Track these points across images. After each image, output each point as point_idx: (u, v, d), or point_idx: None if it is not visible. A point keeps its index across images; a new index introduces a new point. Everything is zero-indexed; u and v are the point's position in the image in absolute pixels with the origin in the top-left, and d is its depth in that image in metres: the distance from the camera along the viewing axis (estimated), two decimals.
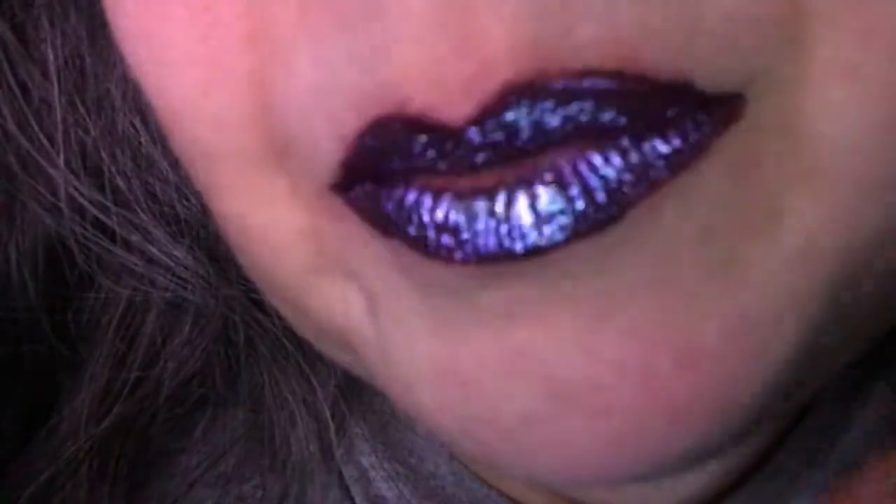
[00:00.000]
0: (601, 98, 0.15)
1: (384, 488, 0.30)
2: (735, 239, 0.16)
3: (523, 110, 0.15)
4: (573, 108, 0.15)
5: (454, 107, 0.15)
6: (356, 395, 0.31)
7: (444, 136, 0.15)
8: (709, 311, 0.16)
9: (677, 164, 0.15)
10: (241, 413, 0.31)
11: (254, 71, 0.17)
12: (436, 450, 0.29)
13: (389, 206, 0.16)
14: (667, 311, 0.16)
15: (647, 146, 0.15)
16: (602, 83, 0.15)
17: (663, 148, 0.15)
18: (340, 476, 0.30)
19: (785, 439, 0.27)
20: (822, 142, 0.16)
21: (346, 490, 0.30)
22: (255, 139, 0.18)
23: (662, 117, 0.15)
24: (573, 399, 0.17)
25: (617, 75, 0.15)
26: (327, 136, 0.17)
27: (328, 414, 0.30)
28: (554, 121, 0.15)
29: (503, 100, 0.15)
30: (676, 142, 0.15)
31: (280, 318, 0.29)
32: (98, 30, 0.28)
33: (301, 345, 0.30)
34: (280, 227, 0.19)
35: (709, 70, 0.15)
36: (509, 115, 0.15)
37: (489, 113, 0.15)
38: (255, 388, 0.31)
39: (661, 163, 0.15)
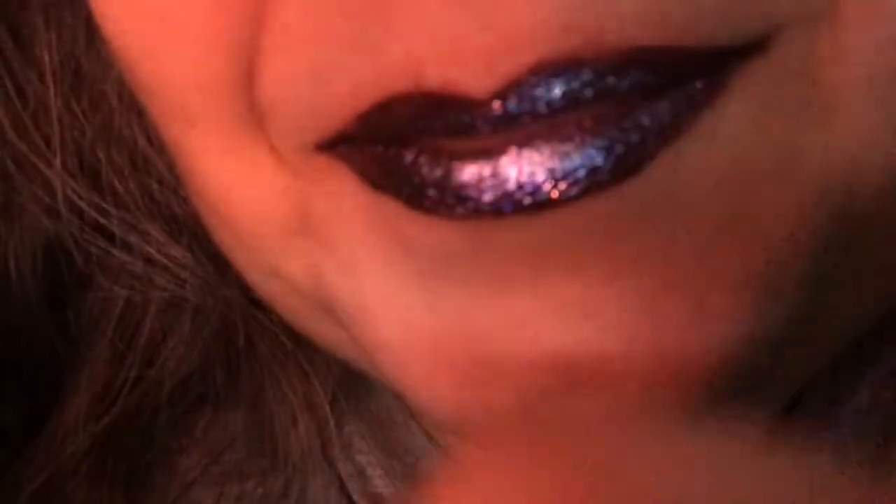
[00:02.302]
0: (637, 71, 0.15)
1: (382, 486, 0.29)
2: (749, 187, 0.16)
3: (554, 86, 0.15)
4: (604, 83, 0.15)
5: (476, 82, 0.15)
6: (353, 393, 0.31)
7: (463, 107, 0.15)
8: (718, 268, 0.16)
9: (700, 102, 0.15)
10: (241, 412, 0.31)
11: (251, 44, 0.17)
12: (433, 448, 0.29)
13: (383, 163, 0.16)
14: (676, 272, 0.16)
15: (672, 92, 0.15)
16: (645, 58, 0.14)
17: (685, 91, 0.15)
18: (338, 474, 0.30)
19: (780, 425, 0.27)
20: (843, 85, 0.16)
21: (343, 487, 0.30)
22: (239, 104, 0.18)
23: (690, 70, 0.15)
24: (579, 375, 0.16)
25: (666, 51, 0.14)
26: (320, 114, 0.16)
27: (328, 411, 0.30)
28: (584, 92, 0.15)
29: (534, 75, 0.14)
30: (699, 82, 0.15)
31: (279, 316, 0.29)
32: (95, 30, 0.28)
33: (300, 342, 0.30)
34: (262, 189, 0.19)
35: (743, 27, 0.15)
36: (538, 91, 0.15)
37: (515, 86, 0.15)
38: (255, 386, 0.31)
39: (683, 106, 0.15)
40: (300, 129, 0.17)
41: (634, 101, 0.15)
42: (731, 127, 0.15)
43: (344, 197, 0.17)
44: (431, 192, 0.16)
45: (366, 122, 0.16)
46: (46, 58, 0.28)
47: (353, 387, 0.31)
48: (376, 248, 0.17)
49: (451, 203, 0.15)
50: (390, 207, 0.16)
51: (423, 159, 0.16)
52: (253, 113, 0.18)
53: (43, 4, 0.28)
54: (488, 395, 0.17)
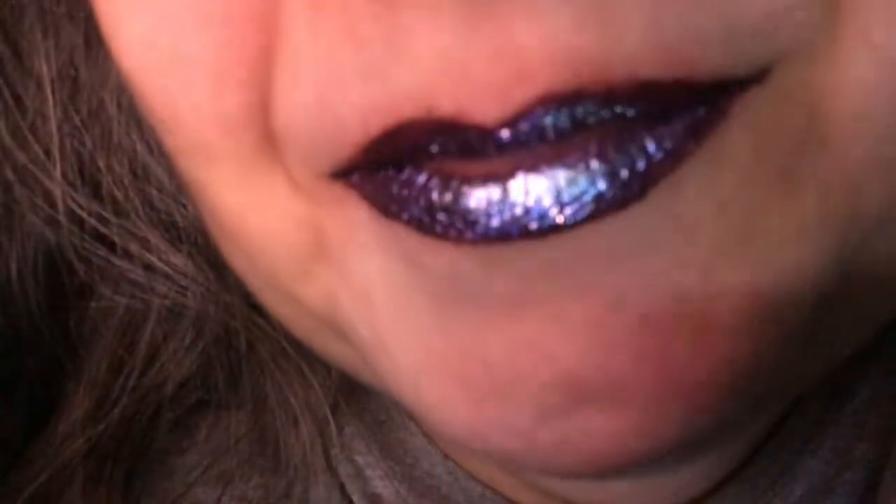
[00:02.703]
0: (642, 101, 0.15)
1: (380, 486, 0.30)
2: (751, 211, 0.16)
3: (562, 115, 0.15)
4: (611, 111, 0.15)
5: (486, 111, 0.15)
6: (352, 395, 0.31)
7: (472, 135, 0.15)
8: (723, 288, 0.16)
9: (702, 129, 0.15)
10: (243, 414, 0.31)
11: (262, 75, 0.17)
12: (431, 449, 0.29)
13: (394, 188, 0.16)
14: (682, 294, 0.16)
15: (674, 119, 0.15)
16: (648, 91, 0.15)
17: (688, 118, 0.15)
18: (337, 475, 0.30)
19: (778, 429, 0.27)
20: (842, 115, 0.16)
21: (342, 488, 0.30)
22: (254, 136, 0.18)
23: (692, 97, 0.15)
24: (590, 393, 0.16)
25: (668, 85, 0.15)
26: (332, 142, 0.17)
27: (329, 414, 0.30)
28: (589, 119, 0.15)
29: (542, 106, 0.15)
30: (700, 109, 0.15)
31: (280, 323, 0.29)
32: (93, 39, 0.28)
33: (301, 348, 0.30)
34: (278, 218, 0.19)
35: (744, 58, 0.15)
36: (545, 121, 0.15)
37: (523, 115, 0.15)
38: (256, 389, 0.31)
39: (686, 132, 0.15)
40: (314, 156, 0.17)
41: (639, 127, 0.15)
42: (733, 153, 0.16)
43: (358, 225, 0.18)
44: (441, 217, 0.16)
45: (377, 147, 0.16)
46: (45, 68, 0.28)
47: (352, 389, 0.31)
48: (390, 275, 0.18)
49: (461, 227, 0.16)
50: (402, 233, 0.17)
51: (433, 183, 0.16)
52: (269, 144, 0.18)
53: (40, 14, 0.28)
54: (502, 413, 0.17)
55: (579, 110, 0.15)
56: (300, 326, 0.22)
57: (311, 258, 0.19)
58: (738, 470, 0.27)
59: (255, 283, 0.22)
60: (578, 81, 0.15)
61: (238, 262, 0.22)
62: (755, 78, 0.15)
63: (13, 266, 0.30)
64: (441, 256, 0.17)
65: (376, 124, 0.16)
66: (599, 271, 0.16)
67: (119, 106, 0.28)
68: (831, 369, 0.20)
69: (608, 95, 0.15)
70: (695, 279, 0.16)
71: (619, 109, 0.15)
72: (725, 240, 0.16)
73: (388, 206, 0.17)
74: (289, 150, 0.18)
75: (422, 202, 0.16)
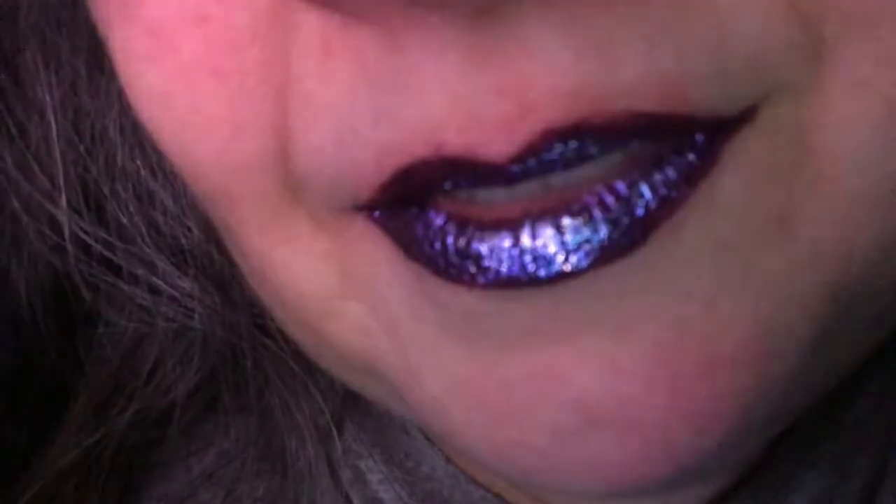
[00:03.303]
0: (640, 135, 0.15)
1: (381, 490, 0.30)
2: (748, 248, 0.17)
3: (568, 149, 0.15)
4: (613, 146, 0.15)
5: (494, 147, 0.15)
6: (354, 399, 0.31)
7: (482, 171, 0.16)
8: (726, 320, 0.17)
9: (695, 175, 0.16)
10: (249, 422, 0.32)
11: (277, 122, 0.18)
12: (432, 453, 0.30)
13: (414, 228, 0.17)
14: (687, 324, 0.17)
15: (666, 166, 0.16)
16: (646, 124, 0.15)
17: (680, 163, 0.16)
18: (339, 478, 0.31)
19: (780, 441, 0.27)
20: (831, 152, 0.16)
21: (343, 492, 0.31)
22: (274, 180, 0.18)
23: (684, 141, 0.16)
24: (602, 416, 0.17)
25: (665, 117, 0.15)
26: (349, 182, 0.17)
27: (330, 423, 0.31)
28: (592, 151, 0.16)
29: (546, 140, 0.15)
30: (691, 155, 0.16)
31: (286, 341, 0.30)
32: (95, 68, 0.28)
33: (307, 365, 0.30)
34: (303, 255, 0.20)
35: (734, 97, 0.16)
36: (552, 154, 0.15)
37: (531, 152, 0.15)
38: (261, 403, 0.31)
39: (679, 179, 0.16)
40: (334, 196, 0.18)
41: (636, 174, 0.16)
42: (728, 195, 0.16)
43: (382, 262, 0.18)
44: (454, 260, 0.17)
45: (392, 187, 0.17)
46: (47, 97, 0.28)
47: (355, 394, 0.31)
48: (414, 309, 0.18)
49: (473, 272, 0.16)
50: (422, 272, 0.17)
51: (449, 227, 0.17)
52: (289, 186, 0.18)
53: (42, 44, 0.28)
54: (520, 434, 0.18)
55: (585, 143, 0.15)
56: (328, 361, 0.23)
57: (337, 295, 0.20)
58: (739, 483, 0.27)
59: (282, 319, 0.23)
60: (580, 114, 0.15)
61: (267, 298, 0.23)
62: (745, 117, 0.16)
63: (22, 293, 0.30)
64: (457, 298, 0.17)
65: (390, 164, 0.16)
66: (607, 306, 0.17)
67: (122, 132, 0.28)
68: (830, 388, 0.20)
69: (609, 127, 0.15)
70: (699, 311, 0.17)
71: (617, 143, 0.15)
72: (726, 275, 0.16)
73: (409, 245, 0.17)
74: (309, 191, 0.18)
75: (438, 245, 0.17)
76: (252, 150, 0.18)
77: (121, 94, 0.28)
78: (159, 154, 0.28)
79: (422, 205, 0.17)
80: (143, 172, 0.29)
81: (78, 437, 0.31)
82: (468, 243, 0.16)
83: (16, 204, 0.29)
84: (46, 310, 0.31)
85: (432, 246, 0.17)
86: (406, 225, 0.17)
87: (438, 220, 0.17)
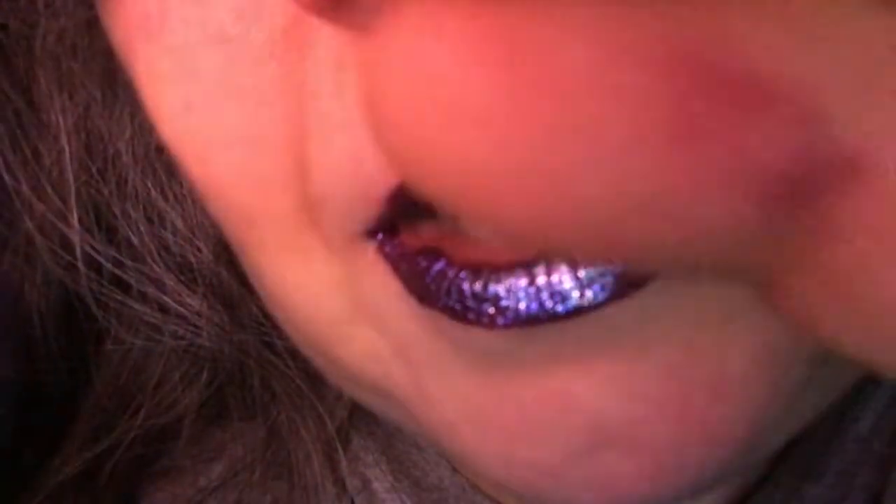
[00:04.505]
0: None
1: (388, 499, 0.30)
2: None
3: None
4: None
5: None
6: (361, 409, 0.31)
7: None
8: (735, 345, 0.17)
9: None
10: (256, 432, 0.32)
11: (295, 140, 0.18)
12: (439, 463, 0.30)
13: (428, 280, 0.17)
14: (697, 348, 0.17)
15: None
16: None
17: None
18: (345, 487, 0.31)
19: (785, 454, 0.28)
20: None
21: (350, 501, 0.31)
22: (291, 200, 0.19)
23: None
24: (614, 436, 0.18)
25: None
26: (362, 201, 0.18)
27: (336, 440, 0.31)
28: None
29: None
30: None
31: (294, 359, 0.30)
32: (108, 92, 0.28)
33: (316, 383, 0.31)
34: (316, 279, 0.20)
35: None
36: None
37: None
38: (269, 418, 0.32)
39: None
40: (348, 217, 0.18)
41: None
42: None
43: (392, 296, 0.19)
44: (472, 304, 0.17)
45: (399, 197, 0.17)
46: (61, 121, 0.28)
47: (360, 406, 0.31)
48: (427, 341, 0.19)
49: (492, 314, 0.17)
50: (436, 315, 0.18)
51: (463, 275, 0.17)
52: (305, 208, 0.19)
53: (56, 68, 0.28)
54: (533, 453, 0.18)
55: None
56: (340, 382, 0.23)
57: (348, 320, 0.20)
58: (744, 496, 0.27)
59: (294, 338, 0.23)
60: None
61: (281, 319, 0.23)
62: None
63: (34, 312, 0.30)
64: (474, 338, 0.18)
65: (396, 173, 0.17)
66: (626, 333, 0.17)
67: (134, 155, 0.29)
68: (835, 401, 0.21)
69: None
70: (707, 337, 0.17)
71: None
72: (732, 301, 0.17)
73: (422, 295, 0.17)
74: (325, 213, 0.19)
75: (454, 294, 0.17)
76: (271, 168, 0.18)
77: (133, 118, 0.28)
78: (170, 176, 0.29)
79: (436, 258, 0.17)
80: (153, 194, 0.29)
81: (81, 449, 0.31)
82: (485, 286, 0.17)
83: (29, 224, 0.29)
84: (58, 327, 0.31)
85: (448, 294, 0.17)
86: (420, 276, 0.17)
87: (451, 272, 0.17)
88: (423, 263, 0.17)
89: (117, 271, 0.30)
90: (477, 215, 0.09)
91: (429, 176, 0.09)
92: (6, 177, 0.29)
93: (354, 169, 0.17)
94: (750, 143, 0.08)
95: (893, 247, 0.09)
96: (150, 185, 0.29)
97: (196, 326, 0.30)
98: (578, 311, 0.16)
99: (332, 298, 0.20)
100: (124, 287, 0.30)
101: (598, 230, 0.09)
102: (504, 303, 0.17)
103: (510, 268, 0.17)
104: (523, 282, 0.16)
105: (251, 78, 0.18)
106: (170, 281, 0.30)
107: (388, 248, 0.18)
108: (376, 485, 0.30)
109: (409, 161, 0.09)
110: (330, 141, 0.17)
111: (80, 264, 0.29)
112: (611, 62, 0.08)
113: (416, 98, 0.09)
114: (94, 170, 0.29)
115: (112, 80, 0.28)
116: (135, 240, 0.29)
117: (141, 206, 0.29)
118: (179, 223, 0.30)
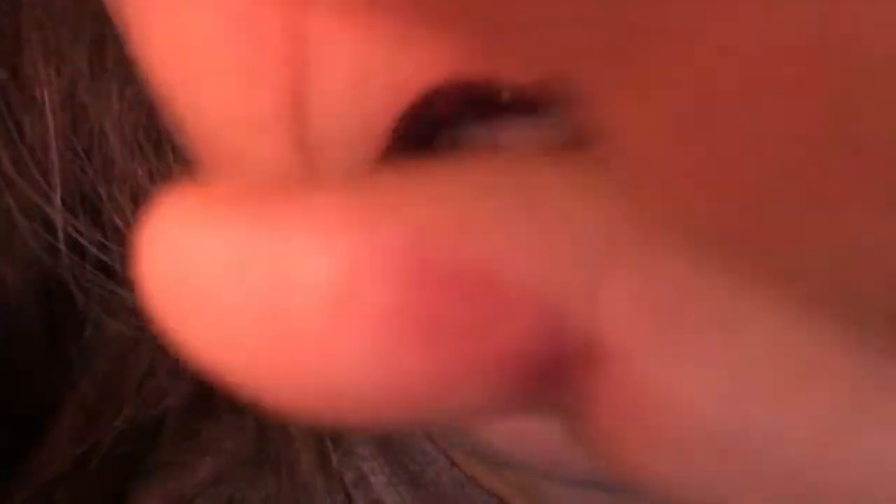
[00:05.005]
0: None
1: (385, 493, 0.30)
2: None
3: None
4: None
5: (517, 70, 0.15)
6: None
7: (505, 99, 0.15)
8: None
9: None
10: (248, 426, 0.31)
11: (293, 77, 0.17)
12: (438, 457, 0.30)
13: None
14: None
15: None
16: None
17: None
18: (341, 480, 0.31)
19: None
20: None
21: (347, 494, 0.30)
22: (287, 143, 0.18)
23: None
24: None
25: None
26: (361, 135, 0.17)
27: (327, 439, 0.30)
28: None
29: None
30: None
31: None
32: (96, 67, 0.28)
33: None
34: None
35: None
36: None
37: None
38: (258, 412, 0.31)
39: None
40: (349, 144, 0.17)
41: None
42: None
43: None
44: None
45: (408, 119, 0.16)
46: (46, 96, 0.28)
47: None
48: None
49: None
50: None
51: None
52: (301, 152, 0.18)
53: (43, 41, 0.28)
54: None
55: None
56: None
57: None
58: None
59: None
60: None
61: None
62: None
63: (12, 292, 0.30)
64: None
65: (409, 90, 0.16)
66: None
67: (121, 134, 0.28)
68: None
69: None
70: None
71: None
72: None
73: None
74: (322, 153, 0.18)
75: None
76: (265, 103, 0.17)
77: (121, 96, 0.27)
78: (158, 157, 0.28)
79: None
80: (140, 175, 0.28)
81: (69, 445, 0.30)
82: None
83: (10, 201, 0.28)
84: (36, 311, 0.30)
85: None
86: None
87: None
88: None
89: (100, 254, 0.29)
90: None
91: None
92: None
93: (359, 83, 0.17)
94: (494, 338, 0.09)
95: (637, 430, 0.09)
96: (136, 165, 0.28)
97: None
98: None
99: None
100: (109, 272, 0.30)
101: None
102: None
103: None
104: None
105: (245, 17, 0.17)
106: None
107: None
108: (373, 479, 0.30)
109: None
110: (330, 66, 0.17)
111: (61, 245, 0.29)
112: (354, 278, 0.09)
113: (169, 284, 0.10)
114: (79, 148, 0.28)
115: (101, 53, 0.27)
116: (119, 222, 0.29)
117: (127, 188, 0.29)
118: None
